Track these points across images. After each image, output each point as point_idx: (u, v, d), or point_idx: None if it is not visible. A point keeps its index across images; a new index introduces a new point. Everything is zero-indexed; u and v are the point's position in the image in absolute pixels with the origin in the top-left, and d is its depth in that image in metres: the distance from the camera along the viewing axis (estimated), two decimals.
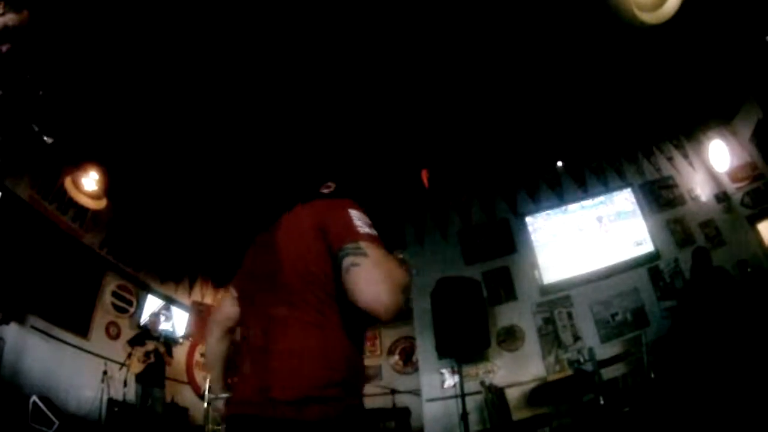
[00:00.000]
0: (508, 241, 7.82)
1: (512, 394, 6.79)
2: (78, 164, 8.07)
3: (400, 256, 1.85)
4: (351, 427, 1.43)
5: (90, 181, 8.07)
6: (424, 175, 8.06)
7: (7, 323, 6.92)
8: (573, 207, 7.43)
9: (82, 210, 8.69)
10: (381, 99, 6.63)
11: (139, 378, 7.69)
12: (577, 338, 6.60)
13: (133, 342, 7.84)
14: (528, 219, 7.62)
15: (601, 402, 5.39)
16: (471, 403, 6.88)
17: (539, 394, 6.44)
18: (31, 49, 5.02)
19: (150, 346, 7.95)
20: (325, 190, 2.00)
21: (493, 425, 6.64)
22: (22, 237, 7.36)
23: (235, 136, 7.42)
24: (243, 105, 6.87)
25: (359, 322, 1.59)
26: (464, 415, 6.78)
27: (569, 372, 6.19)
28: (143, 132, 7.42)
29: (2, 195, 6.85)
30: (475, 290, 7.39)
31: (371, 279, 1.42)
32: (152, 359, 7.87)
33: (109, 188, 8.33)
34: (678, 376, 4.97)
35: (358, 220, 1.63)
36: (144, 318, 9.34)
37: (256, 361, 1.53)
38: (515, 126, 7.07)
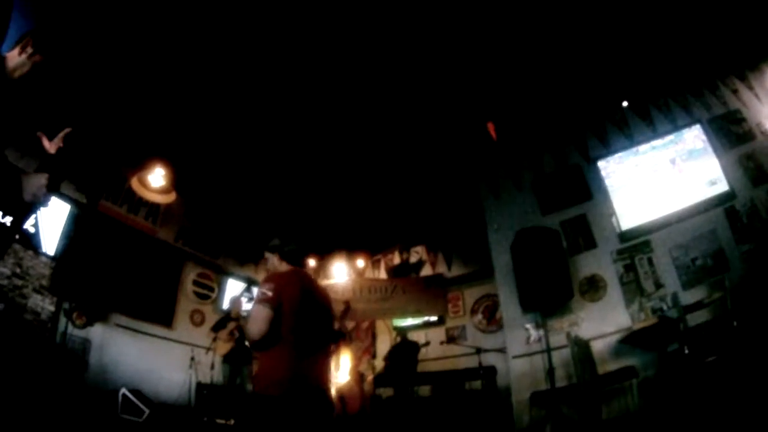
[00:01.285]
0: (583, 188, 7.71)
1: (597, 347, 6.82)
2: (140, 163, 8.59)
3: None
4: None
5: (156, 177, 8.61)
6: (491, 127, 8.01)
7: (92, 325, 7.71)
8: (644, 148, 7.18)
9: (153, 207, 9.34)
10: (441, 55, 6.69)
11: (227, 358, 8.23)
12: (659, 285, 6.48)
13: (216, 328, 8.41)
14: (600, 164, 7.45)
15: (686, 351, 5.29)
16: (556, 357, 7.01)
17: (624, 345, 6.37)
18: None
19: (233, 325, 8.42)
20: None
21: (580, 380, 6.64)
22: (99, 243, 8.05)
23: (294, 112, 7.64)
24: (300, 86, 7.09)
25: None
26: (550, 371, 6.89)
27: (653, 320, 6.04)
28: (201, 119, 7.85)
29: (77, 210, 7.52)
30: (554, 240, 7.46)
31: None
32: (237, 335, 8.32)
33: (176, 181, 8.83)
34: (761, 323, 4.77)
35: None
36: (226, 303, 9.96)
37: None
38: (576, 68, 6.90)
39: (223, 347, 8.21)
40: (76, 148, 2.27)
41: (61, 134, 2.21)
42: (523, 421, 7.13)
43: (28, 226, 7.19)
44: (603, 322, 6.92)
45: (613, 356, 6.59)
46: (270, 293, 2.93)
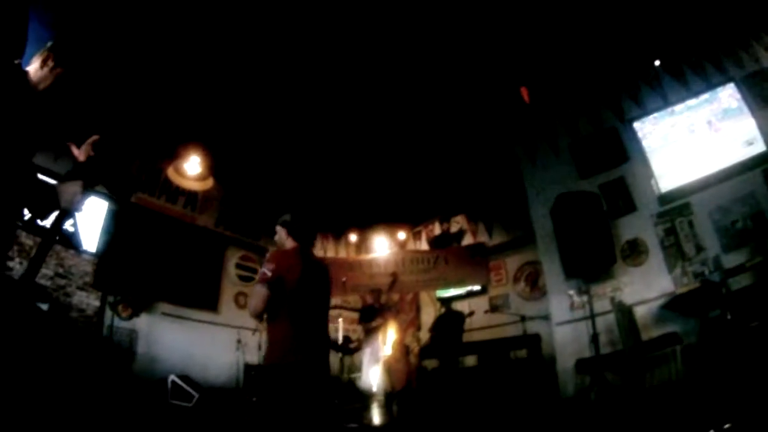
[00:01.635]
0: (620, 151, 7.56)
1: (640, 312, 6.77)
2: (175, 153, 8.78)
3: None
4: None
5: (192, 164, 8.83)
6: (524, 92, 7.89)
7: (138, 316, 8.06)
8: (679, 108, 6.94)
9: (191, 195, 9.59)
10: (474, 20, 6.60)
11: None
12: (700, 249, 6.34)
13: None
14: (636, 125, 7.26)
15: (729, 317, 5.19)
16: (600, 323, 7.00)
17: (667, 310, 6.29)
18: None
19: None
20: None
21: (624, 346, 6.61)
22: (140, 236, 8.36)
23: (328, 84, 7.67)
24: (334, 57, 7.12)
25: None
26: (595, 337, 6.88)
27: (695, 285, 5.93)
28: (232, 102, 7.95)
29: (115, 206, 7.82)
30: (594, 204, 7.42)
31: None
32: None
33: (212, 166, 9.02)
34: None
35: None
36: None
37: None
38: (608, 29, 6.69)
39: None
40: (106, 151, 2.31)
41: (89, 141, 2.27)
42: (567, 389, 7.17)
43: (68, 227, 7.55)
44: (645, 287, 6.84)
45: (656, 322, 6.52)
46: (269, 273, 3.19)
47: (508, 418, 6.68)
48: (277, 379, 3.12)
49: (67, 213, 2.11)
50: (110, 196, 8.23)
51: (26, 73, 2.11)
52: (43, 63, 2.13)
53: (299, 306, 3.26)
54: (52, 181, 2.21)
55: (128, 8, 5.99)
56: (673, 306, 6.21)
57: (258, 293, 3.18)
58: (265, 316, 3.31)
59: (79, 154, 2.24)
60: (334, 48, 6.94)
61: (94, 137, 2.28)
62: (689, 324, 6.02)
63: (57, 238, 2.45)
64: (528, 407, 6.98)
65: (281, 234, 3.67)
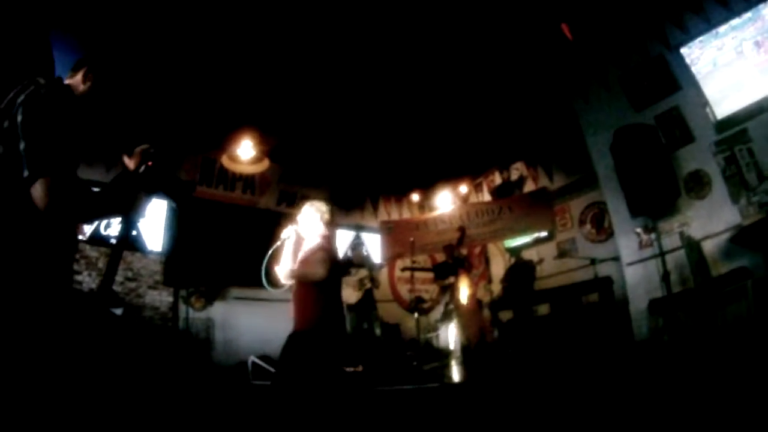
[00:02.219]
0: (670, 79, 7.22)
1: (708, 248, 6.59)
2: (225, 141, 9.05)
3: None
4: None
5: (245, 149, 9.06)
6: (565, 29, 7.62)
7: (211, 304, 8.53)
8: (723, 29, 6.47)
9: (248, 180, 9.91)
10: None
11: (353, 307, 8.75)
12: (762, 178, 5.97)
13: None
14: (683, 51, 6.87)
15: None
16: (669, 261, 6.90)
17: (735, 244, 6.06)
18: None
19: (362, 273, 8.84)
20: None
21: (695, 283, 6.47)
22: (203, 228, 8.76)
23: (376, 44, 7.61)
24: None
25: None
26: (665, 276, 6.77)
27: (761, 215, 5.67)
28: (276, 79, 8.02)
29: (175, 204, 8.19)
30: (652, 137, 7.25)
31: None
32: (368, 285, 8.78)
33: (266, 148, 9.28)
34: None
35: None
36: (340, 254, 10.47)
37: None
38: None
39: (352, 296, 8.75)
40: (159, 157, 2.39)
41: (139, 150, 2.32)
42: (641, 332, 7.10)
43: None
44: (711, 220, 6.60)
45: (725, 257, 6.31)
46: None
47: (583, 365, 6.72)
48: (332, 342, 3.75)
49: (131, 220, 2.23)
50: (170, 201, 8.67)
51: (68, 86, 2.17)
52: (84, 78, 2.18)
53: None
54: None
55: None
56: (740, 239, 6.00)
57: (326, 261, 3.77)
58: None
59: (129, 162, 2.30)
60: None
61: (144, 146, 2.34)
62: (759, 257, 5.77)
63: (126, 245, 2.49)
64: (603, 352, 6.99)
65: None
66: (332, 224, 4.22)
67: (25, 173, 1.76)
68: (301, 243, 4.13)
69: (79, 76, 2.18)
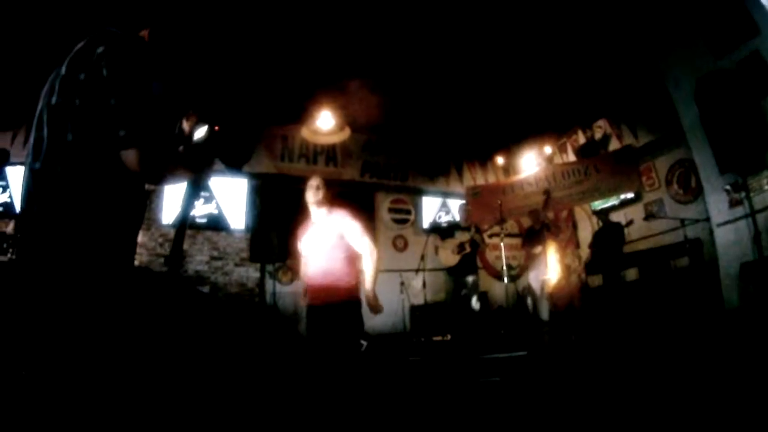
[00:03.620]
0: (749, 22, 6.70)
1: None
2: (303, 113, 9.32)
3: None
4: None
5: (324, 120, 9.30)
6: None
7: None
8: None
9: (330, 153, 10.21)
10: None
11: (452, 271, 8.84)
12: None
13: (445, 235, 9.05)
14: None
15: None
16: (761, 221, 6.58)
17: None
18: None
19: (463, 237, 8.91)
20: None
21: None
22: (286, 204, 9.00)
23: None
24: None
25: None
26: (757, 237, 6.46)
27: None
28: (352, 45, 8.06)
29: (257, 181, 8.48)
30: (738, 83, 6.88)
31: None
32: (468, 250, 8.81)
33: (346, 117, 9.44)
34: None
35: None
36: (425, 222, 10.56)
37: None
38: None
39: (449, 259, 8.81)
40: (221, 125, 2.35)
41: (197, 114, 2.32)
42: (732, 299, 6.82)
43: (211, 209, 8.54)
44: None
45: None
46: None
47: (671, 333, 6.60)
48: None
49: (194, 190, 2.21)
50: (249, 173, 9.07)
51: (142, 38, 2.11)
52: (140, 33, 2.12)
53: None
54: None
55: None
56: None
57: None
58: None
59: (187, 126, 2.29)
60: None
61: (191, 113, 2.33)
62: None
63: (188, 219, 2.48)
64: (691, 321, 6.81)
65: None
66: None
67: (122, 133, 1.74)
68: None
69: (144, 33, 2.10)
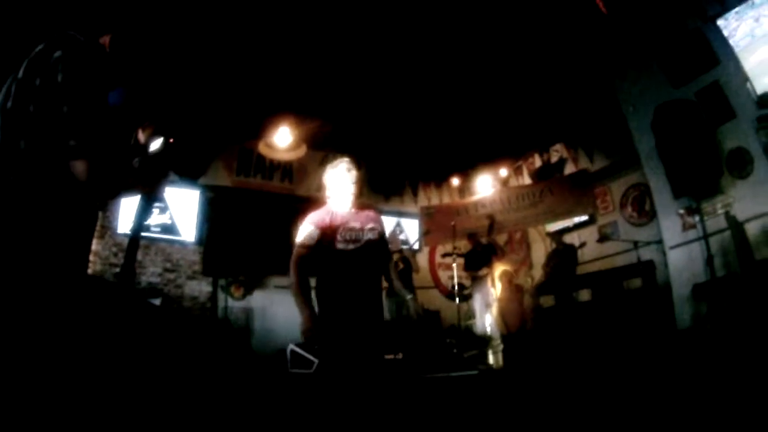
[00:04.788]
0: (708, 53, 6.89)
1: (752, 230, 6.33)
2: (262, 129, 9.14)
3: None
4: None
5: (282, 136, 9.14)
6: (599, 2, 7.41)
7: (251, 294, 8.69)
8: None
9: (286, 168, 10.04)
10: None
11: (390, 292, 8.72)
12: None
13: None
14: (720, 23, 6.51)
15: None
16: (714, 244, 6.67)
17: None
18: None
19: (394, 256, 8.81)
20: None
21: (741, 267, 6.23)
22: (240, 217, 8.91)
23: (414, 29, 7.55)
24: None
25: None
26: (709, 259, 6.55)
27: None
28: (312, 64, 8.01)
29: (212, 194, 8.35)
30: (693, 112, 7.00)
31: None
32: (402, 266, 8.74)
33: (303, 135, 9.33)
34: None
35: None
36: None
37: None
38: None
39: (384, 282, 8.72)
40: (171, 135, 2.32)
41: (154, 125, 2.27)
42: (684, 319, 6.89)
43: (164, 220, 8.28)
44: (755, 200, 6.30)
45: None
46: None
47: (624, 353, 6.58)
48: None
49: (148, 200, 2.14)
50: (202, 185, 8.83)
51: (102, 46, 2.04)
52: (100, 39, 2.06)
53: None
54: None
55: None
56: None
57: (292, 261, 3.41)
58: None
59: (143, 136, 2.24)
60: None
61: (156, 121, 2.28)
62: None
63: (142, 229, 2.49)
64: (644, 341, 6.82)
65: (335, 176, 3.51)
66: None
67: (72, 142, 1.66)
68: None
69: (106, 39, 2.02)
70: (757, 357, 4.76)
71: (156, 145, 2.25)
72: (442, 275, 11.51)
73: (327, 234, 3.25)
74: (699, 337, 6.36)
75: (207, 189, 9.18)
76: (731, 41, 6.40)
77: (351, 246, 3.26)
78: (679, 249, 7.29)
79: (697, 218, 6.91)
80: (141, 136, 2.23)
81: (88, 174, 1.68)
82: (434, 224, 11.12)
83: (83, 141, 1.67)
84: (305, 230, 3.29)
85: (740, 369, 4.58)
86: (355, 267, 3.28)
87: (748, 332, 5.57)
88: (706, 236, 6.62)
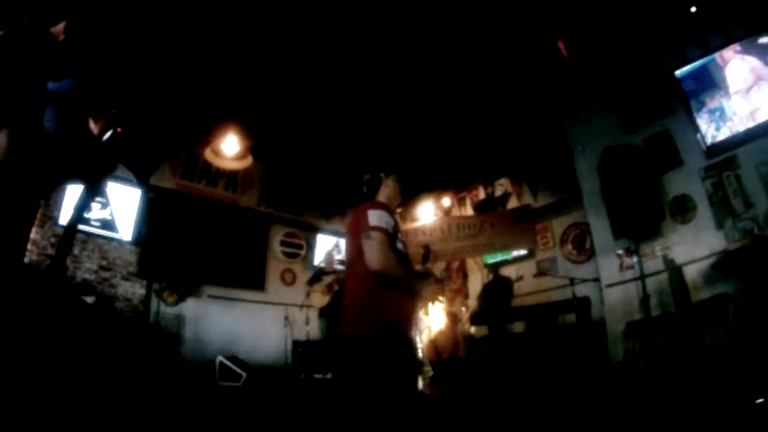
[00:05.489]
0: (664, 102, 7.24)
1: (689, 273, 6.58)
2: (210, 133, 8.91)
3: None
4: (376, 340, 2.66)
5: (229, 144, 8.94)
6: (561, 46, 7.63)
7: (184, 301, 8.34)
8: (719, 55, 6.49)
9: (231, 177, 9.80)
10: None
11: (324, 311, 8.60)
12: (749, 204, 5.98)
13: (312, 281, 8.77)
14: (678, 74, 6.87)
15: None
16: (650, 284, 6.84)
17: (717, 270, 6.05)
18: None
19: (330, 278, 8.74)
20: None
21: (676, 308, 6.45)
22: (182, 221, 8.61)
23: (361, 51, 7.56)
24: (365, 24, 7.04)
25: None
26: (645, 299, 6.74)
27: (746, 241, 5.67)
28: (265, 78, 7.96)
29: (154, 195, 8.04)
30: (641, 158, 7.23)
31: (370, 250, 2.67)
32: (336, 288, 8.62)
33: (250, 145, 9.17)
34: None
35: (372, 216, 2.78)
36: (318, 259, 10.37)
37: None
38: None
39: (320, 300, 8.55)
40: (126, 127, 2.28)
41: (106, 116, 2.25)
42: (617, 354, 7.06)
43: (105, 215, 7.85)
44: (695, 245, 6.58)
45: (707, 283, 6.28)
46: (389, 228, 2.83)
47: (556, 385, 6.65)
48: (401, 352, 2.74)
49: (90, 193, 2.15)
50: (132, 176, 8.47)
51: (50, 33, 2.09)
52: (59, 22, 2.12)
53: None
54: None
55: None
56: (724, 265, 5.97)
57: (385, 243, 2.74)
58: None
59: (95, 127, 2.21)
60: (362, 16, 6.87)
61: (111, 111, 2.25)
62: (741, 284, 5.76)
63: (81, 221, 2.35)
64: (577, 373, 6.93)
65: (394, 187, 3.34)
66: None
67: None
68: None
69: (60, 26, 2.08)
70: (689, 391, 4.92)
71: (106, 135, 2.22)
72: None
73: (395, 229, 2.96)
74: (632, 371, 6.51)
75: (149, 189, 8.77)
76: (687, 93, 6.76)
77: (401, 247, 3.01)
78: (616, 288, 7.51)
79: (635, 259, 7.15)
80: (93, 126, 2.20)
81: (8, 144, 1.65)
82: None
83: (4, 111, 1.65)
84: (385, 217, 2.85)
85: (672, 402, 4.73)
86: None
87: (682, 368, 5.77)
88: (643, 277, 6.83)
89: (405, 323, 2.85)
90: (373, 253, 2.68)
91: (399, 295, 2.80)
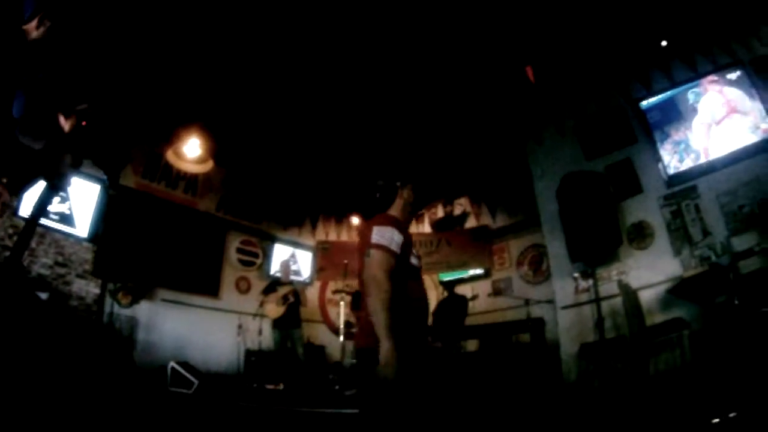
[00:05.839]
0: (627, 132, 7.50)
1: (645, 297, 6.73)
2: (173, 135, 8.74)
3: None
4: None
5: (191, 147, 8.77)
6: (529, 71, 7.79)
7: (138, 303, 8.06)
8: (685, 88, 6.82)
9: (191, 179, 9.57)
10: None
11: (277, 323, 8.47)
12: (707, 233, 6.26)
13: (267, 291, 8.61)
14: (643, 105, 7.13)
15: (737, 302, 5.14)
16: (605, 308, 6.98)
17: (673, 295, 6.23)
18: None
19: (285, 289, 8.61)
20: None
21: (630, 331, 6.58)
22: (139, 222, 8.33)
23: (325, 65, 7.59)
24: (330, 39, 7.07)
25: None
26: (599, 322, 6.84)
27: (703, 268, 5.87)
28: (230, 83, 7.91)
29: (113, 191, 7.78)
30: (600, 185, 7.37)
31: (366, 267, 2.61)
32: (291, 300, 8.52)
33: (212, 149, 9.00)
34: None
35: (376, 233, 2.68)
36: (275, 268, 10.19)
37: None
38: (614, 7, 6.54)
39: (275, 311, 8.45)
40: (95, 124, 2.25)
41: (77, 111, 2.22)
42: (571, 375, 7.16)
43: (63, 209, 7.52)
44: (651, 271, 6.77)
45: (662, 307, 6.47)
46: (397, 241, 2.70)
47: (509, 403, 6.67)
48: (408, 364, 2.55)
49: (54, 188, 2.08)
50: (103, 180, 8.18)
51: (24, 31, 2.08)
52: (39, 23, 2.10)
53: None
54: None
55: None
56: (679, 290, 6.14)
57: (382, 263, 2.59)
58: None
59: (65, 123, 2.16)
60: (331, 32, 6.90)
61: (82, 106, 2.22)
62: (696, 309, 5.97)
63: (42, 215, 2.27)
64: (530, 393, 6.97)
65: (410, 197, 3.16)
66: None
67: None
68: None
69: (34, 21, 2.07)
70: (643, 411, 5.03)
71: (75, 132, 2.20)
72: (332, 311, 11.28)
73: (406, 243, 2.80)
74: (585, 391, 6.62)
75: (111, 186, 8.44)
76: (651, 124, 7.01)
77: (415, 261, 2.94)
78: (570, 310, 7.63)
79: (590, 282, 7.28)
80: (63, 123, 2.17)
81: None
82: (328, 261, 11.15)
83: None
84: (389, 233, 2.69)
85: (625, 421, 4.84)
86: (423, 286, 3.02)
87: (636, 389, 5.90)
88: (598, 300, 6.96)
89: (412, 335, 2.71)
90: (365, 271, 2.62)
91: (407, 307, 2.69)
